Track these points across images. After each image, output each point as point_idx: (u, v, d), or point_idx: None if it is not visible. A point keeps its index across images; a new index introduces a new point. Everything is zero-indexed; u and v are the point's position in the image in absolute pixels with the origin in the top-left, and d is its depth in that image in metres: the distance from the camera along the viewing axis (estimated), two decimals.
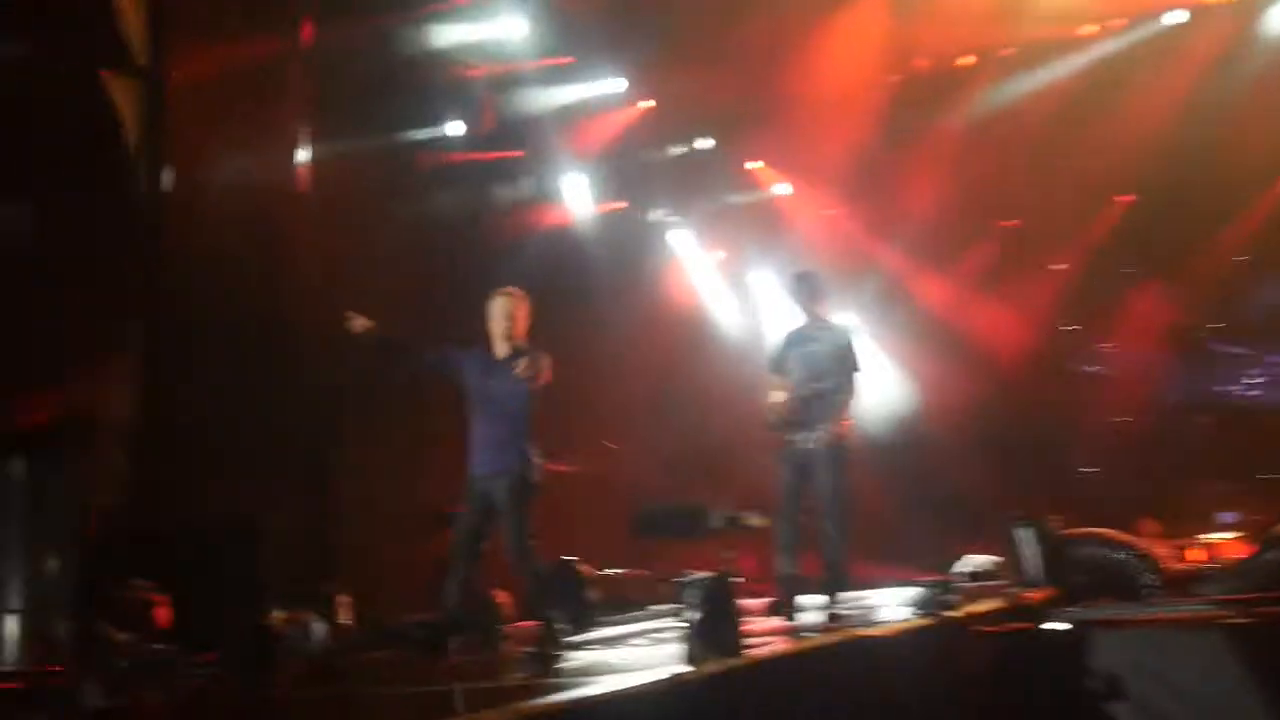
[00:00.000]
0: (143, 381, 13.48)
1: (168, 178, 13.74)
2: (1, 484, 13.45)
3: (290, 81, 14.58)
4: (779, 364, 10.54)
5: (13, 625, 12.82)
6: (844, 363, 10.30)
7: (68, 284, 13.71)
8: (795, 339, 10.52)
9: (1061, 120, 17.50)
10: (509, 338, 10.46)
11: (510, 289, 10.75)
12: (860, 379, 10.35)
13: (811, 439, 10.14)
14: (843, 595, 10.29)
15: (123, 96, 13.66)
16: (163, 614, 10.98)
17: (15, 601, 12.96)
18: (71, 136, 13.65)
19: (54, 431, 13.26)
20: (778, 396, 10.37)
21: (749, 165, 18.94)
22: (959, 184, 17.68)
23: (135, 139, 13.61)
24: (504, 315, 10.47)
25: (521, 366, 9.98)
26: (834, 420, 10.13)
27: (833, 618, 9.83)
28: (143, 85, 13.75)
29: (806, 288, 10.59)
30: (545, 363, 10.26)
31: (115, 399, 13.39)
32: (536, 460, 10.26)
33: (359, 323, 10.56)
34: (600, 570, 13.21)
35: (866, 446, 15.09)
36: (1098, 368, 18.30)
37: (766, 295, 18.68)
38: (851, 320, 17.27)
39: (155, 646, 10.94)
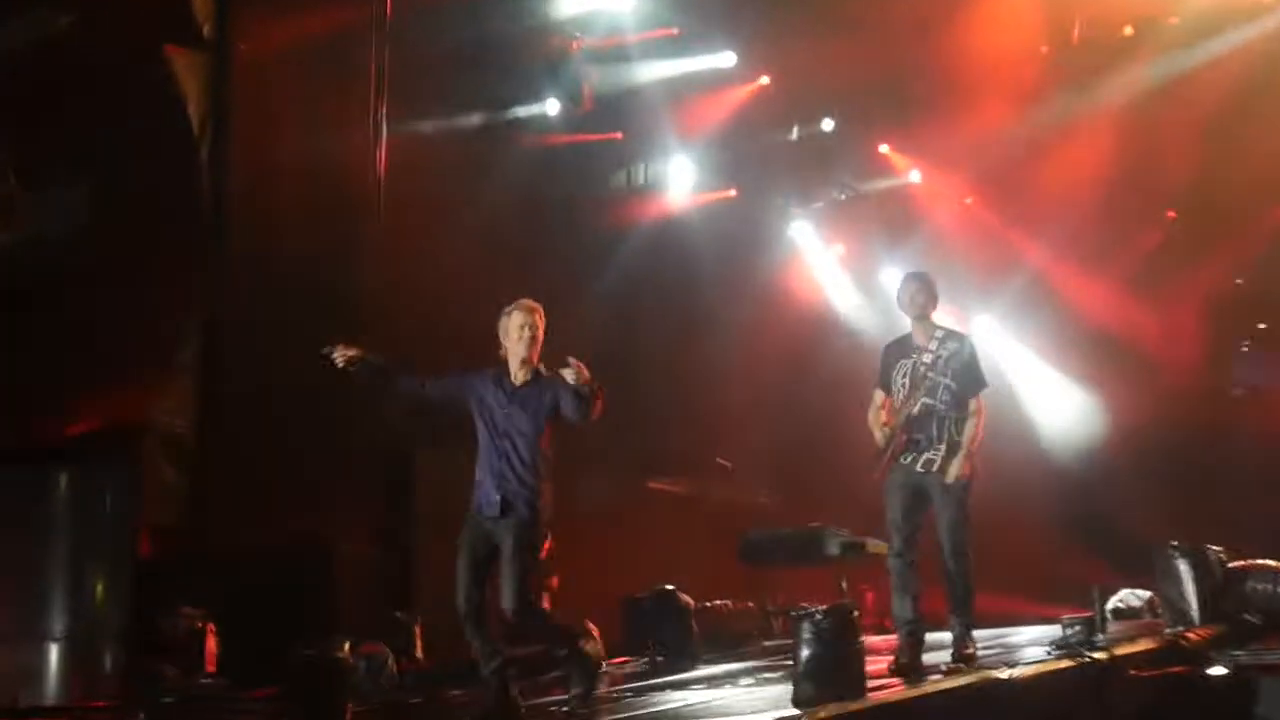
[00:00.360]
0: (201, 387, 13.42)
1: (233, 160, 13.75)
2: (44, 498, 13.51)
3: (368, 55, 14.44)
4: (885, 377, 10.14)
5: (55, 654, 12.95)
6: (963, 377, 9.85)
7: (122, 277, 13.74)
8: (904, 349, 10.11)
9: (1234, 97, 16.63)
10: (528, 360, 9.78)
11: (529, 301, 10.03)
12: (984, 395, 9.95)
13: (923, 462, 9.77)
14: (970, 636, 9.96)
15: (187, 71, 13.68)
16: (212, 644, 10.98)
17: (58, 628, 13.02)
18: (131, 114, 13.59)
19: (102, 442, 13.18)
20: (881, 415, 10.02)
21: (880, 149, 18.46)
22: (1116, 170, 16.84)
23: (199, 117, 13.68)
24: (524, 333, 9.77)
25: (574, 376, 9.29)
26: (953, 445, 9.75)
27: (963, 658, 9.52)
28: (208, 59, 13.81)
29: (916, 290, 10.16)
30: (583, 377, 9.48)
31: (170, 407, 13.33)
32: (546, 504, 9.73)
33: (341, 354, 9.85)
34: (704, 601, 13.07)
35: (997, 468, 14.79)
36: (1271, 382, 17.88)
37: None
38: (990, 324, 16.97)
39: (205, 681, 10.97)
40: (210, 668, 10.92)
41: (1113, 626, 11.34)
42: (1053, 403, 17.76)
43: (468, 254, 14.61)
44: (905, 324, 10.16)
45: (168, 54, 13.74)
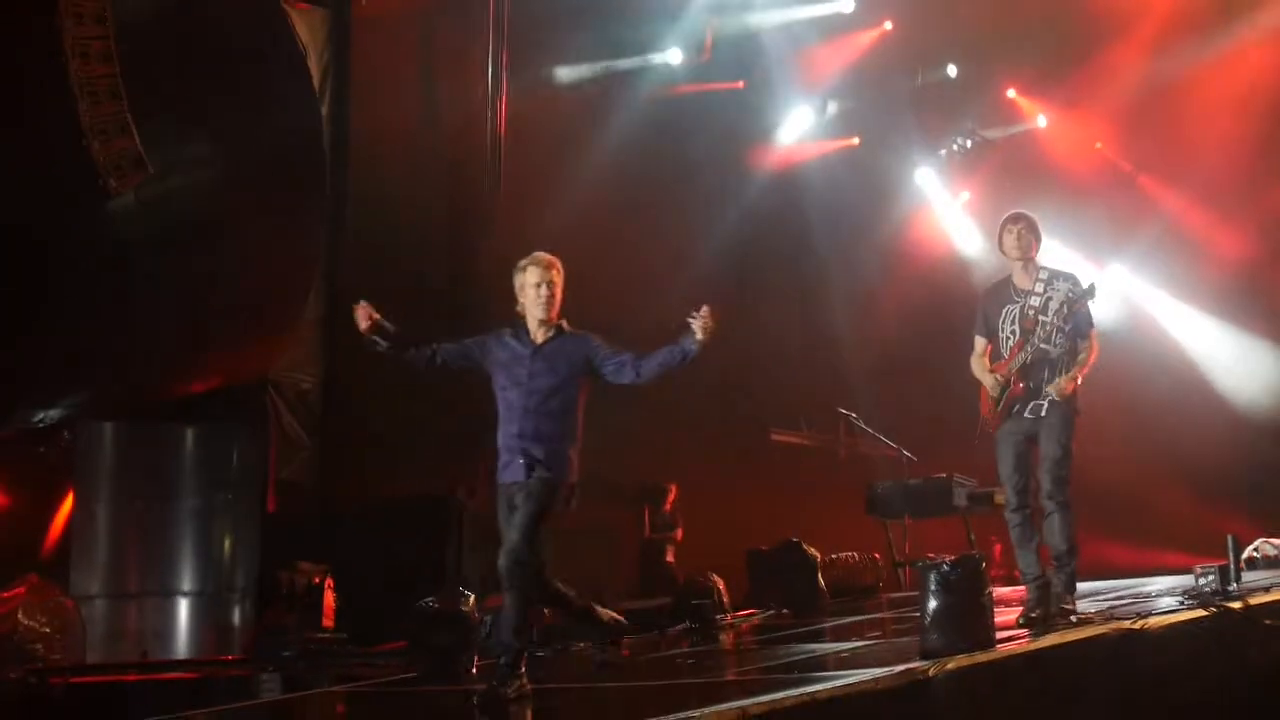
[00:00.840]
0: (325, 344, 13.57)
1: (352, 115, 13.82)
2: (172, 455, 13.77)
3: (487, 8, 14.51)
4: (989, 324, 9.91)
5: (185, 609, 13.18)
6: (1076, 317, 9.61)
7: (245, 234, 13.90)
8: (1006, 294, 9.86)
9: None
10: (546, 321, 9.13)
11: (545, 255, 9.30)
12: (1095, 337, 9.70)
13: (1031, 408, 9.55)
14: (1073, 589, 9.78)
15: (306, 26, 13.75)
16: (330, 599, 11.07)
17: (188, 583, 13.28)
18: (253, 70, 13.73)
19: (228, 398, 13.49)
20: (985, 362, 9.82)
21: (1007, 94, 18.11)
22: (1263, 110, 16.29)
23: (319, 73, 13.76)
24: (541, 291, 9.07)
25: (701, 328, 8.56)
26: (1066, 378, 9.54)
27: (1060, 614, 9.35)
28: (328, 15, 13.89)
29: (1024, 230, 9.91)
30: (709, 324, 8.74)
31: (295, 363, 13.47)
32: (573, 469, 8.93)
33: (362, 315, 9.29)
34: (830, 554, 13.02)
35: (1141, 416, 14.59)
36: None
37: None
38: (1122, 272, 16.70)
39: (322, 635, 11.05)
40: (328, 622, 10.99)
41: (1248, 575, 11.16)
42: (1201, 350, 17.28)
43: (587, 206, 14.56)
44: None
45: (288, 10, 13.81)
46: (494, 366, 9.19)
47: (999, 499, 12.74)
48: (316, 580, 10.93)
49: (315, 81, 13.79)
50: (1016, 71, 17.29)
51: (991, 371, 9.58)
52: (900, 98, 17.84)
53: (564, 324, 9.18)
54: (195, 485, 13.51)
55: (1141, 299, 16.73)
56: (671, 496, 12.58)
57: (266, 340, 13.47)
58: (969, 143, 17.99)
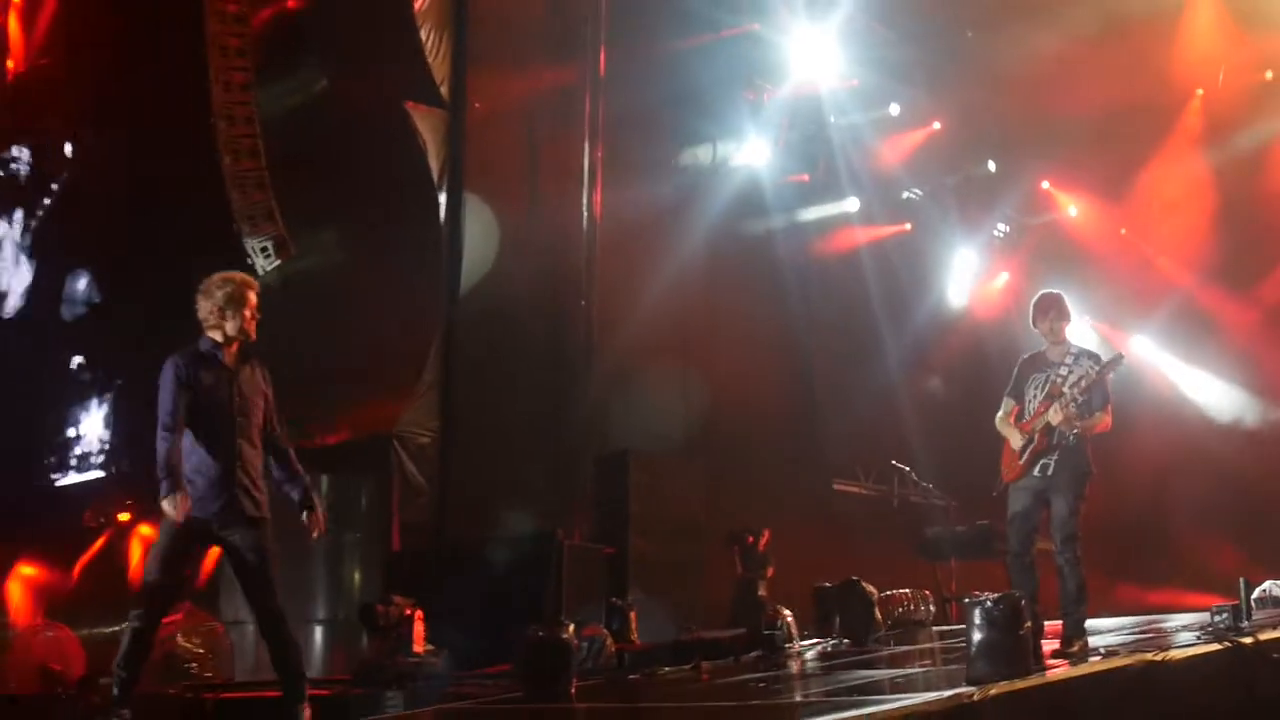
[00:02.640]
0: (441, 403, 13.66)
1: (466, 202, 13.95)
2: None
3: (584, 108, 14.63)
4: (1018, 388, 9.99)
5: (319, 635, 13.28)
6: (1094, 391, 9.62)
7: (372, 307, 14.11)
8: (1039, 364, 9.93)
9: None
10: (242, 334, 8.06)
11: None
12: (1109, 411, 9.70)
13: (1040, 467, 9.55)
14: (1081, 632, 9.71)
15: (427, 126, 13.97)
16: (420, 628, 11.08)
17: (322, 612, 13.39)
18: (380, 164, 14.11)
19: (358, 449, 13.66)
20: (1009, 420, 9.84)
21: (1042, 185, 18.07)
22: (1265, 202, 16.40)
23: (440, 171, 13.94)
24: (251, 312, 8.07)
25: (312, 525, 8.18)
26: (1084, 428, 9.51)
27: (1066, 656, 9.28)
28: (446, 115, 14.07)
29: (1051, 309, 9.98)
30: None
31: (415, 419, 13.55)
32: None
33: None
34: (885, 590, 12.99)
35: (1153, 465, 14.47)
36: None
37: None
38: (1145, 343, 16.60)
39: (416, 659, 11.05)
40: (419, 648, 11.00)
41: (1258, 614, 11.06)
42: (1210, 405, 17.12)
43: (675, 280, 14.67)
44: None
45: (410, 111, 14.01)
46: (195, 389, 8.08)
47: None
48: (408, 612, 10.97)
49: (434, 174, 13.94)
50: (1050, 166, 17.21)
51: (1022, 429, 9.56)
52: (946, 189, 17.82)
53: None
54: (329, 525, 13.64)
55: (1161, 364, 16.56)
56: (765, 538, 12.63)
57: (390, 401, 13.62)
58: (1007, 228, 17.89)
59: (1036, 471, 9.46)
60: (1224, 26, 15.87)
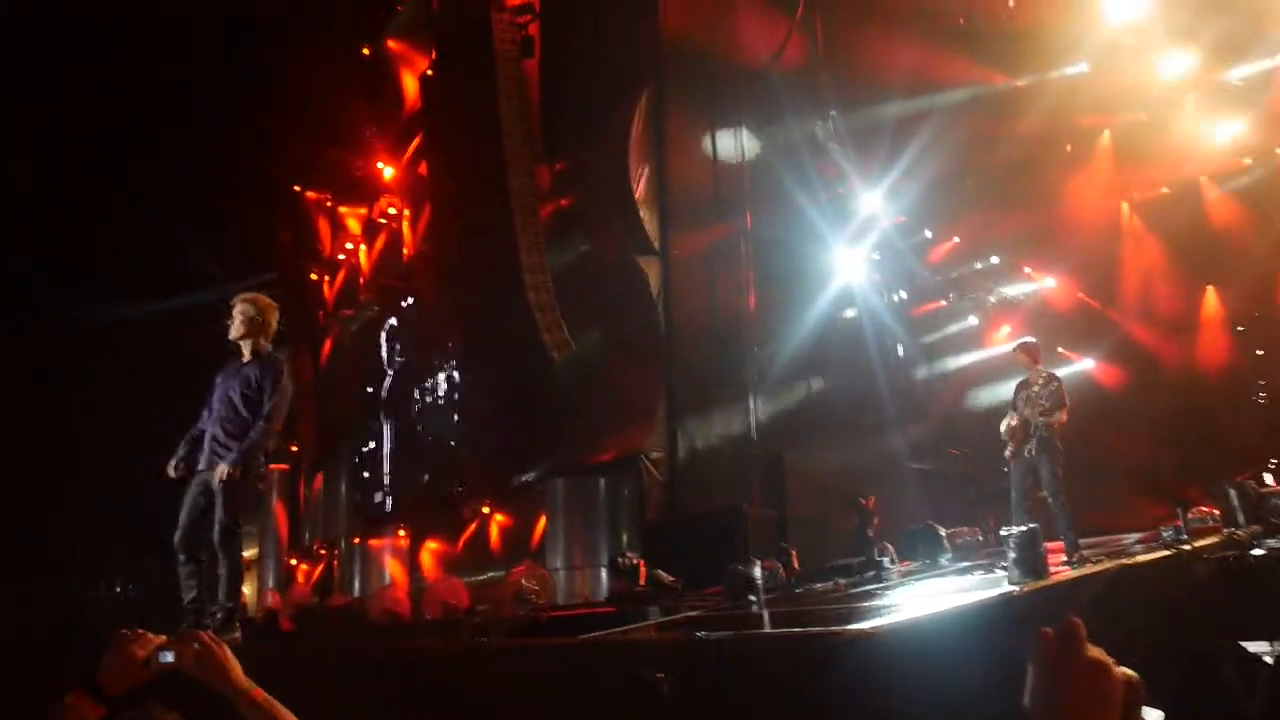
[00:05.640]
0: (668, 431, 13.72)
1: (673, 312, 14.02)
2: (594, 493, 14.14)
3: (741, 248, 14.38)
4: (1013, 403, 10.00)
5: (603, 575, 13.35)
6: (1054, 399, 9.57)
7: (622, 379, 14.24)
8: (1024, 385, 9.92)
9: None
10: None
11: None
12: (1065, 411, 9.65)
13: (1028, 449, 9.51)
14: (1077, 547, 9.44)
15: (649, 270, 14.09)
16: (644, 570, 11.00)
17: (604, 559, 13.55)
18: (620, 292, 14.29)
19: (620, 463, 13.87)
20: (1009, 424, 9.83)
21: (1025, 270, 17.46)
22: (1175, 264, 15.32)
23: (657, 293, 14.04)
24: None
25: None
26: (1043, 440, 9.41)
27: (1073, 563, 9.02)
28: (659, 259, 14.17)
29: (1028, 350, 10.03)
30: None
31: (653, 442, 13.66)
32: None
33: (173, 469, 6.88)
34: (950, 529, 12.68)
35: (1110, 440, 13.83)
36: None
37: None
38: (1090, 363, 15.87)
39: (640, 589, 10.91)
40: (641, 584, 10.92)
41: (1195, 530, 10.58)
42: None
43: (805, 333, 14.43)
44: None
45: (636, 259, 14.17)
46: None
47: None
48: (636, 562, 10.98)
49: (654, 295, 14.03)
50: (1032, 255, 16.62)
51: (1011, 426, 9.52)
52: (964, 276, 17.26)
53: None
54: (606, 508, 13.85)
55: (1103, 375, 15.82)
56: (872, 501, 12.35)
57: (637, 433, 13.79)
58: (1002, 297, 17.30)
59: (1025, 453, 9.41)
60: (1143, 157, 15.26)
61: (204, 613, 6.71)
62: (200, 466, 6.87)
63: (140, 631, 2.54)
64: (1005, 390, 10.44)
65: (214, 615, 6.70)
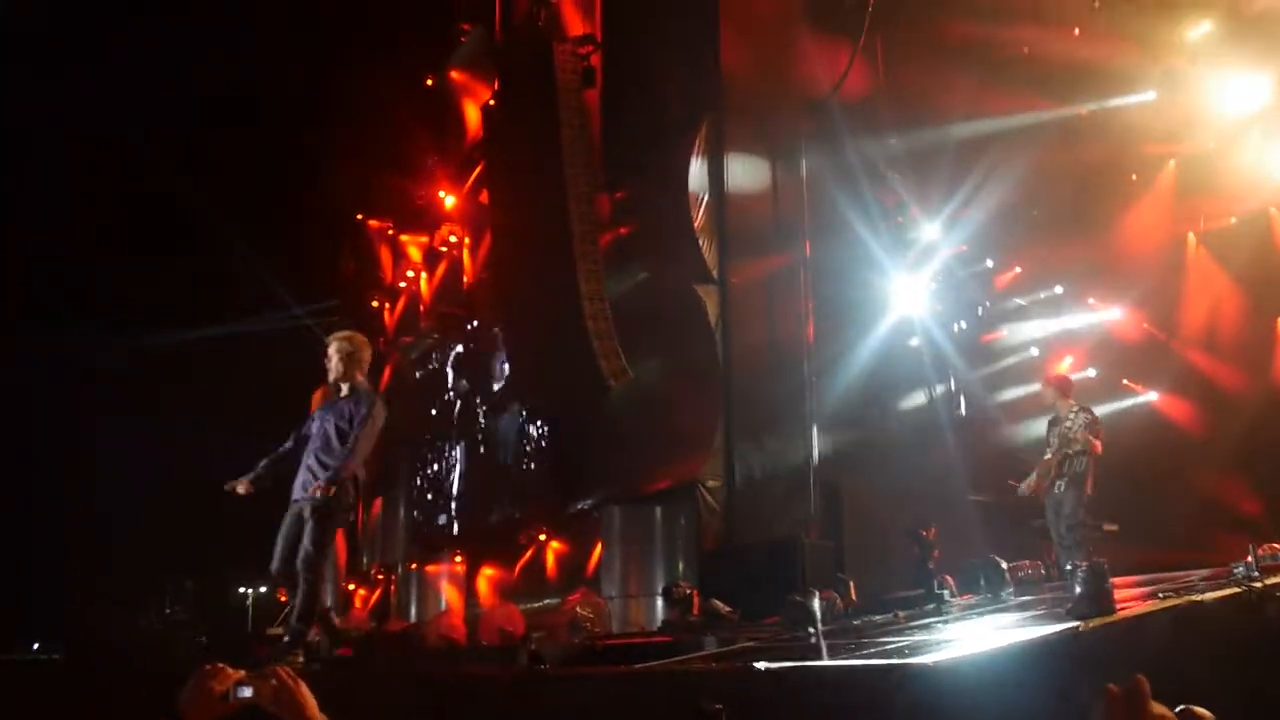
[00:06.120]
0: (725, 461, 13.62)
1: (731, 341, 13.97)
2: (650, 522, 14.11)
3: (799, 278, 14.29)
4: (1047, 438, 9.94)
5: (659, 604, 13.22)
6: (1088, 431, 9.46)
7: (680, 408, 14.22)
8: (1056, 421, 9.87)
9: None
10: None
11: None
12: (1096, 445, 9.51)
13: (1057, 484, 9.46)
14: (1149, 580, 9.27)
15: (707, 299, 14.02)
16: (697, 600, 10.89)
17: (658, 587, 13.44)
18: (679, 321, 14.26)
19: (676, 492, 13.80)
20: (1044, 461, 9.74)
21: (1089, 301, 17.13)
22: (1244, 295, 14.96)
23: (715, 322, 13.97)
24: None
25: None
26: (1074, 476, 9.32)
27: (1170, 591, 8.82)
28: (716, 290, 14.10)
29: (1057, 384, 10.04)
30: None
31: (710, 471, 13.55)
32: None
33: (237, 487, 7.36)
34: (1012, 563, 12.43)
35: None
36: None
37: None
38: (1155, 396, 15.55)
39: (694, 620, 10.81)
40: (695, 613, 10.84)
41: (1264, 568, 10.27)
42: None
43: (861, 363, 14.22)
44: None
45: (695, 289, 14.16)
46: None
47: (1106, 528, 12.04)
48: (689, 591, 10.89)
49: (712, 324, 14.01)
50: (1096, 286, 16.32)
51: (1044, 462, 9.50)
52: (1027, 308, 16.94)
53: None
54: (663, 536, 13.81)
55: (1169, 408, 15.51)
56: (933, 532, 12.15)
57: (694, 461, 13.74)
58: (1066, 329, 16.95)
59: (1056, 489, 9.44)
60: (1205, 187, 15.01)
61: (296, 641, 7.05)
62: (295, 496, 7.30)
63: (220, 666, 2.64)
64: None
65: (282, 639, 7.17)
